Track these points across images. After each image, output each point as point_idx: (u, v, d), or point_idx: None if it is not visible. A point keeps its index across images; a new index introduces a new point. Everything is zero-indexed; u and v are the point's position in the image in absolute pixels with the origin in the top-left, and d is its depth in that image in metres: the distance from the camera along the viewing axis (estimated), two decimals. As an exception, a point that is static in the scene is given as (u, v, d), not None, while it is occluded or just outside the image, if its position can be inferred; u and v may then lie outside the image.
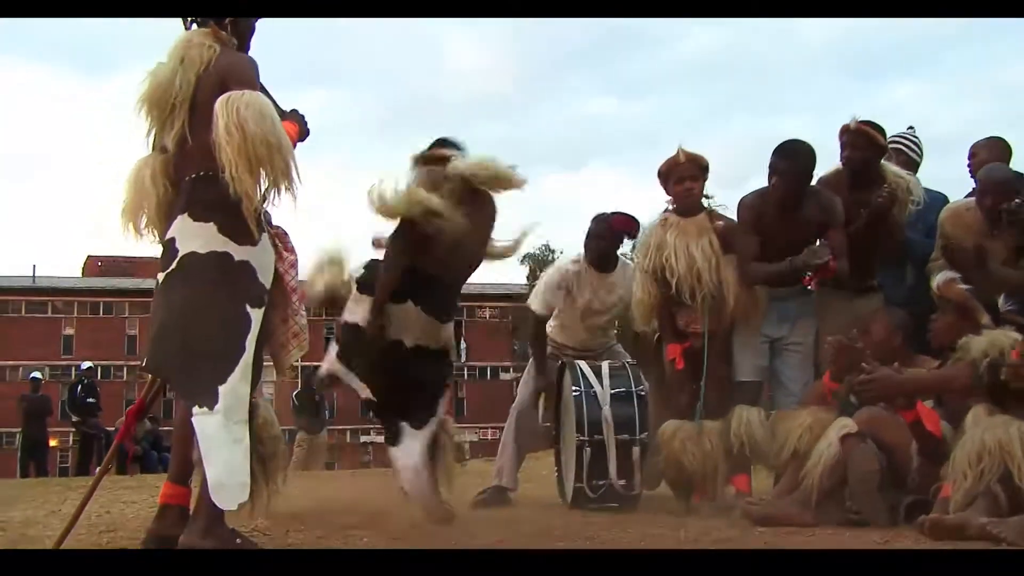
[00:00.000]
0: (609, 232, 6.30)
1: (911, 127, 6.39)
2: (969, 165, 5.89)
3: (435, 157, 4.84)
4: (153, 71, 3.91)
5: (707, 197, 5.89)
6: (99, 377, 40.12)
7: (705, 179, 5.85)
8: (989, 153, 5.80)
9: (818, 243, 5.36)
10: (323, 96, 69.61)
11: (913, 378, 4.51)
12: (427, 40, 78.92)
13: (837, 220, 5.48)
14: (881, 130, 5.70)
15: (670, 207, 5.84)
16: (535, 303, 6.48)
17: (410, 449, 4.69)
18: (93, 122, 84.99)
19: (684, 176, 5.76)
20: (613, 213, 6.33)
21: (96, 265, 49.68)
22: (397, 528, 4.51)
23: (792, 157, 5.45)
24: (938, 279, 4.74)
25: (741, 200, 5.65)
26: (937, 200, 5.91)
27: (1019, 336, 4.20)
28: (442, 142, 4.97)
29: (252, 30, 4.14)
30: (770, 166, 5.50)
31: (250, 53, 4.11)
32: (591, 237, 6.33)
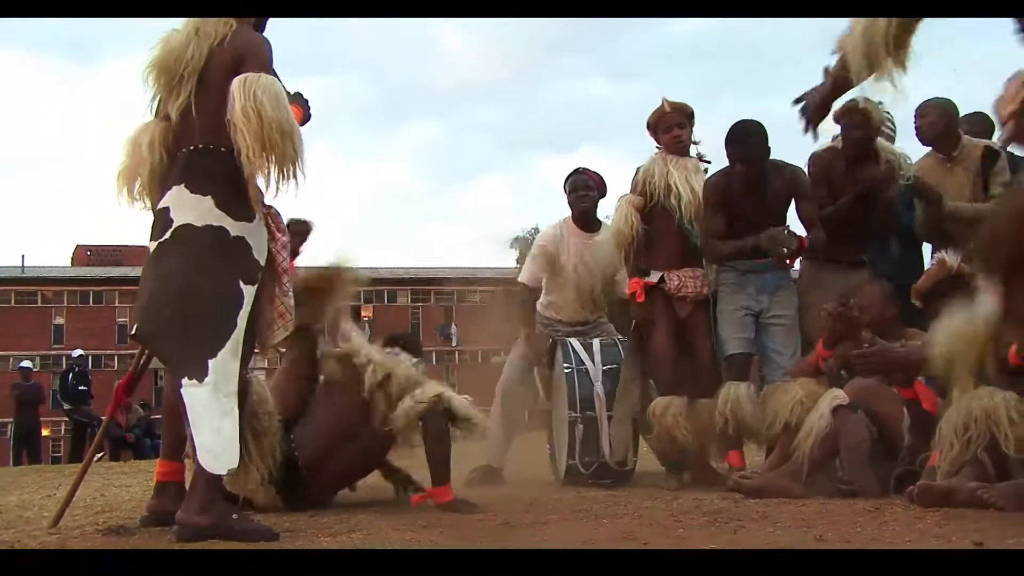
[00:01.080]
0: (591, 183, 6.43)
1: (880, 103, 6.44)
2: (916, 126, 5.95)
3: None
4: (166, 37, 3.90)
5: (695, 143, 5.98)
6: (90, 366, 40.06)
7: (692, 126, 5.95)
8: (937, 114, 5.86)
9: (785, 230, 5.42)
10: (315, 83, 69.35)
11: (911, 353, 4.53)
12: (418, 25, 78.68)
13: (804, 191, 5.60)
14: (877, 106, 5.79)
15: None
16: (523, 274, 6.60)
17: None
18: (82, 111, 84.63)
19: (672, 124, 5.88)
20: (583, 169, 6.49)
21: (85, 254, 49.56)
22: (395, 511, 4.54)
23: (743, 141, 5.55)
24: (952, 259, 4.77)
25: (707, 180, 5.72)
26: None
27: None
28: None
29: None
30: (726, 155, 5.59)
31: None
32: (576, 191, 6.43)
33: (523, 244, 38.85)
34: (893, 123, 6.37)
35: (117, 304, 44.68)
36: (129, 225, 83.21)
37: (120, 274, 44.36)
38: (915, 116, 5.87)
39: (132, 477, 7.69)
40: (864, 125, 5.66)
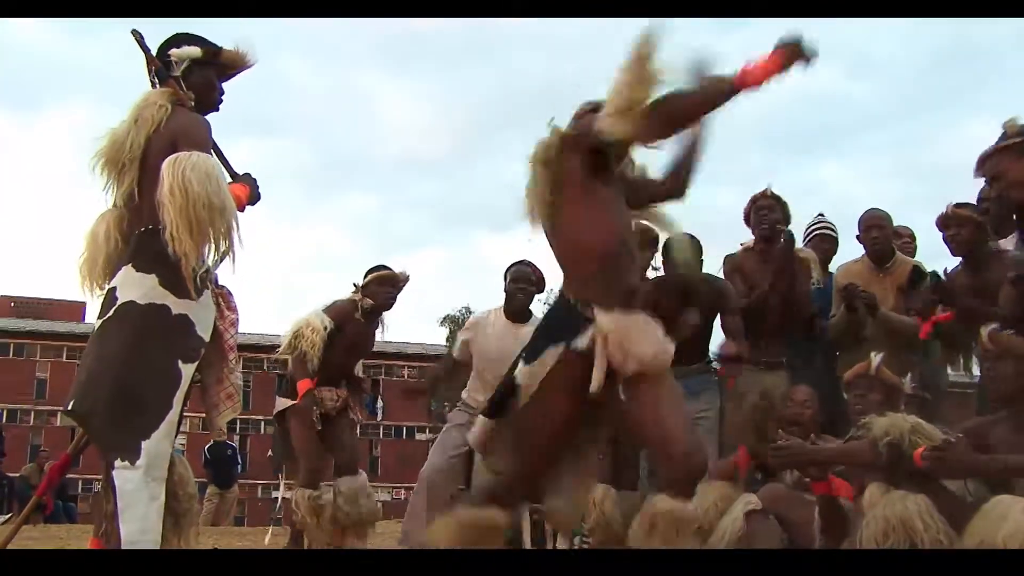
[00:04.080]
0: (533, 276, 6.48)
1: (821, 214, 6.65)
2: (864, 236, 6.10)
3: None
4: (113, 128, 4.00)
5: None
6: (4, 420, 38.95)
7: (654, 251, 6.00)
8: (886, 229, 6.07)
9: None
10: (254, 145, 69.23)
11: (820, 448, 4.67)
12: (362, 95, 79.05)
13: (730, 305, 5.74)
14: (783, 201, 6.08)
15: None
16: (454, 351, 6.78)
17: None
18: (11, 161, 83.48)
19: None
20: (528, 261, 6.54)
21: (9, 305, 48.60)
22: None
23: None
24: (876, 361, 4.93)
25: None
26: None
27: (916, 419, 4.39)
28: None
29: (211, 85, 4.22)
30: (663, 265, 5.78)
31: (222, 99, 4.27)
32: (517, 282, 6.48)
33: (453, 322, 38.87)
34: (835, 228, 6.59)
35: (38, 358, 43.69)
36: (57, 279, 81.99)
37: (44, 328, 43.55)
38: (862, 225, 6.03)
39: (43, 543, 7.53)
40: (779, 209, 5.93)
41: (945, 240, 5.40)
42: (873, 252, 5.96)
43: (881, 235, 5.96)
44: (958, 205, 5.33)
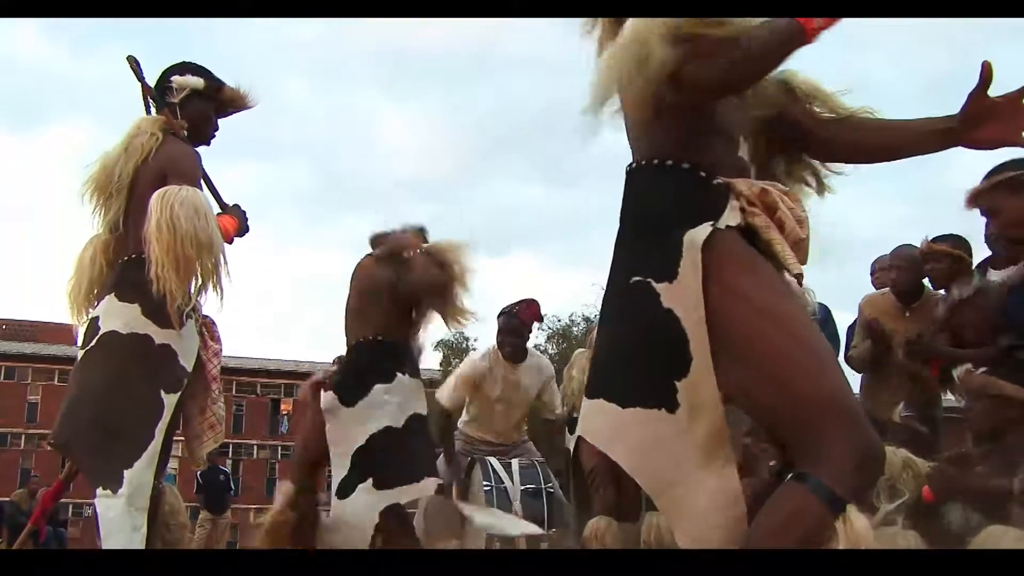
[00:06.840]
0: (523, 327, 6.38)
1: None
2: (889, 274, 5.97)
3: None
4: (104, 155, 3.99)
5: None
6: (-5, 444, 38.94)
7: None
8: (909, 267, 5.93)
9: None
10: (252, 168, 69.34)
11: None
12: (361, 118, 79.26)
13: None
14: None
15: None
16: (444, 397, 6.42)
17: None
18: (2, 180, 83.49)
19: None
20: (519, 303, 6.41)
21: (0, 328, 48.50)
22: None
23: None
24: None
25: None
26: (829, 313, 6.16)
27: (905, 452, 4.36)
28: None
29: (207, 119, 4.22)
30: None
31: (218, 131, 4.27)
32: (506, 334, 6.36)
33: (447, 348, 38.74)
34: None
35: (29, 382, 43.56)
36: (49, 301, 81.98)
37: (34, 351, 43.41)
38: (892, 261, 5.88)
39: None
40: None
41: (926, 273, 5.37)
42: (893, 292, 5.81)
43: (899, 276, 5.74)
44: (934, 240, 5.25)
